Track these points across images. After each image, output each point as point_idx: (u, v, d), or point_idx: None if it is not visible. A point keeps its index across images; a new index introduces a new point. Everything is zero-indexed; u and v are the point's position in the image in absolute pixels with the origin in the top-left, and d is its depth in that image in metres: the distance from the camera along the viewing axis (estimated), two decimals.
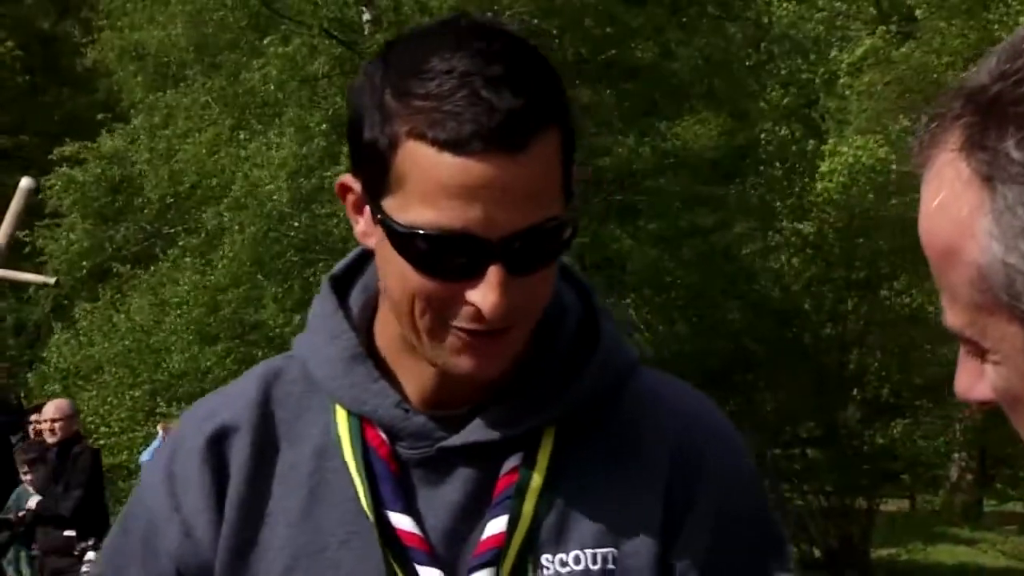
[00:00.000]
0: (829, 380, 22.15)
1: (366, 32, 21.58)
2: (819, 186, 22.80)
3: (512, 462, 1.62)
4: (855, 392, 22.63)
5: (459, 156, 1.47)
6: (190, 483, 1.64)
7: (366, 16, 21.71)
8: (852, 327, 22.78)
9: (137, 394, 21.24)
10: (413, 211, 1.50)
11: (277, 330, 19.31)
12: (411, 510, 1.61)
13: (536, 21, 19.69)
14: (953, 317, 1.16)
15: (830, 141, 24.10)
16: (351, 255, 1.76)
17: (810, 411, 22.34)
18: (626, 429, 1.68)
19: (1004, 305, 1.11)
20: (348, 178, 1.61)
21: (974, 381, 1.17)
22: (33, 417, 12.83)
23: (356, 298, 1.72)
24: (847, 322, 22.75)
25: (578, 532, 1.62)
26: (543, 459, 1.63)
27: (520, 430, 1.63)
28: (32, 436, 12.42)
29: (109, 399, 21.19)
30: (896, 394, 22.71)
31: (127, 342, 21.43)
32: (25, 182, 16.86)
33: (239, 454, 1.64)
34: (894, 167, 23.15)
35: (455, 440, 1.62)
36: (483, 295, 1.51)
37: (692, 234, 21.07)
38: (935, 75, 24.95)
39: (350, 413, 1.64)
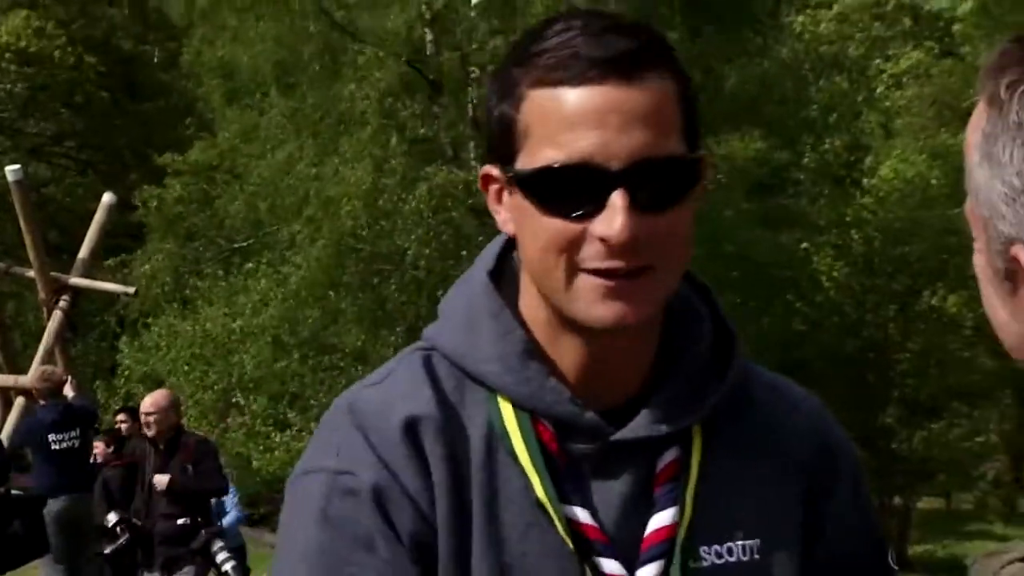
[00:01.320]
0: (869, 383, 22.18)
1: (428, 52, 21.97)
2: (863, 199, 22.87)
3: (669, 456, 1.59)
4: (894, 395, 22.67)
5: (576, 87, 1.48)
6: (403, 465, 1.56)
7: (429, 37, 22.07)
8: (892, 333, 22.79)
9: (207, 396, 21.51)
10: (539, 155, 1.50)
11: (358, 343, 19.59)
12: (586, 503, 1.57)
13: None
14: (965, 205, 1.28)
15: (872, 155, 24.14)
16: (493, 252, 1.70)
17: (850, 413, 22.37)
18: (763, 423, 1.67)
19: (975, 205, 1.23)
20: (489, 167, 1.60)
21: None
22: (120, 417, 13.17)
23: (507, 295, 1.65)
24: (888, 328, 22.76)
25: (729, 524, 1.61)
26: (696, 453, 1.60)
27: (681, 425, 1.60)
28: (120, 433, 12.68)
29: None
30: (933, 397, 22.71)
31: (197, 349, 21.63)
32: (107, 197, 17.24)
33: (433, 444, 1.57)
34: (934, 180, 23.21)
35: (624, 435, 1.58)
36: (608, 221, 1.47)
37: (741, 257, 21.22)
38: (973, 90, 24.92)
39: (517, 408, 1.59)
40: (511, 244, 1.66)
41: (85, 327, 25.59)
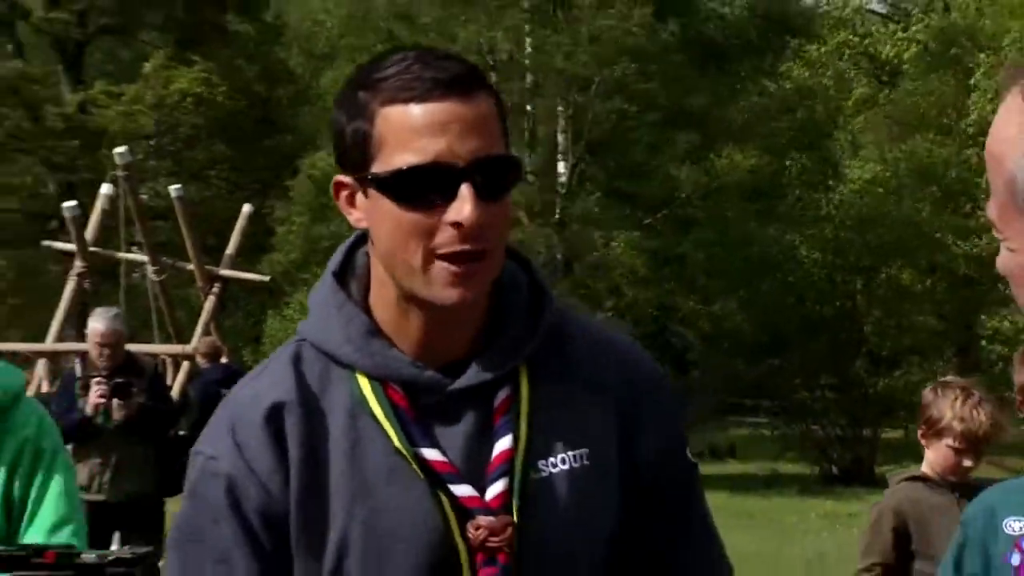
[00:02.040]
0: (843, 342, 22.25)
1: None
2: (836, 197, 22.93)
3: (502, 395, 1.56)
4: (863, 350, 22.64)
5: (424, 103, 1.45)
6: (259, 450, 1.53)
7: (493, 78, 22.02)
8: (859, 302, 22.77)
9: None
10: (395, 160, 1.46)
11: None
12: (435, 444, 1.54)
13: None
14: (990, 208, 1.15)
15: (843, 164, 24.13)
16: (340, 253, 1.65)
17: (829, 366, 22.42)
18: (581, 360, 1.63)
19: (1020, 207, 1.11)
20: (341, 176, 1.55)
21: (1000, 258, 1.18)
22: None
23: (354, 286, 1.62)
24: (855, 299, 22.75)
25: (559, 440, 1.57)
26: (525, 389, 1.58)
27: (507, 369, 1.57)
28: None
29: None
30: (893, 352, 22.68)
31: None
32: (246, 208, 17.33)
33: (292, 425, 1.54)
34: (893, 180, 23.14)
35: (460, 384, 1.55)
36: (459, 209, 1.45)
37: (743, 242, 21.32)
38: (921, 110, 24.80)
39: (371, 378, 1.55)
40: (354, 246, 1.63)
41: (232, 308, 25.83)
